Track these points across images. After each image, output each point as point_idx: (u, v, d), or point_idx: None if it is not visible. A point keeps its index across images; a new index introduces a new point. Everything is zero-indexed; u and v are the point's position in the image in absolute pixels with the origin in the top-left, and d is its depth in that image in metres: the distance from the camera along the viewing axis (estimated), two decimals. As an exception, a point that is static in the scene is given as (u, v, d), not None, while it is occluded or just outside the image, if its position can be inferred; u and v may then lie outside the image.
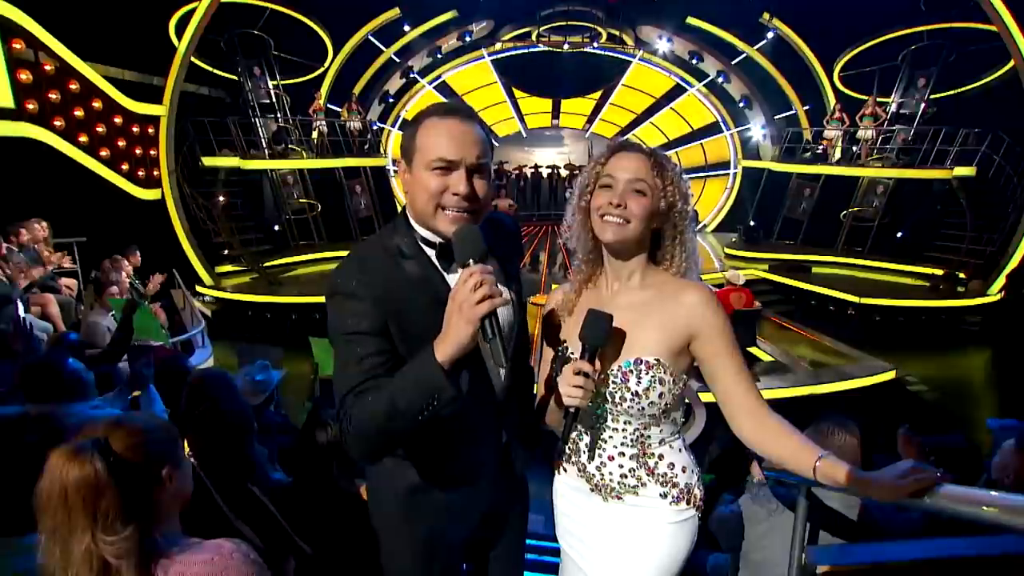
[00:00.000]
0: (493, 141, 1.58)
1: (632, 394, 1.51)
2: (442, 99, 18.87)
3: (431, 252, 1.53)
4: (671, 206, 1.56)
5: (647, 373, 1.50)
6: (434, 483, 1.60)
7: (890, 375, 8.31)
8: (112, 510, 1.17)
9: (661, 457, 1.58)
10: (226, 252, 12.73)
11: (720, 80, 18.12)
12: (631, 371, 1.51)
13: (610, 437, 1.59)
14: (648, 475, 1.57)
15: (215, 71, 14.12)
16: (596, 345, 1.49)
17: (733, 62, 17.56)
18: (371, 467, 1.70)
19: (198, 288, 11.69)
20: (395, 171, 18.69)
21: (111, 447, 1.21)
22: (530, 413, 1.74)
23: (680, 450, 1.61)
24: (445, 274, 1.53)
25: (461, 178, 1.44)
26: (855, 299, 11.23)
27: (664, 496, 1.57)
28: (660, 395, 1.51)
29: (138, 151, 11.34)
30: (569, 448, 1.69)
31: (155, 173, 11.64)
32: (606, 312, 1.50)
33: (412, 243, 1.53)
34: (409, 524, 1.64)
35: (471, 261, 1.34)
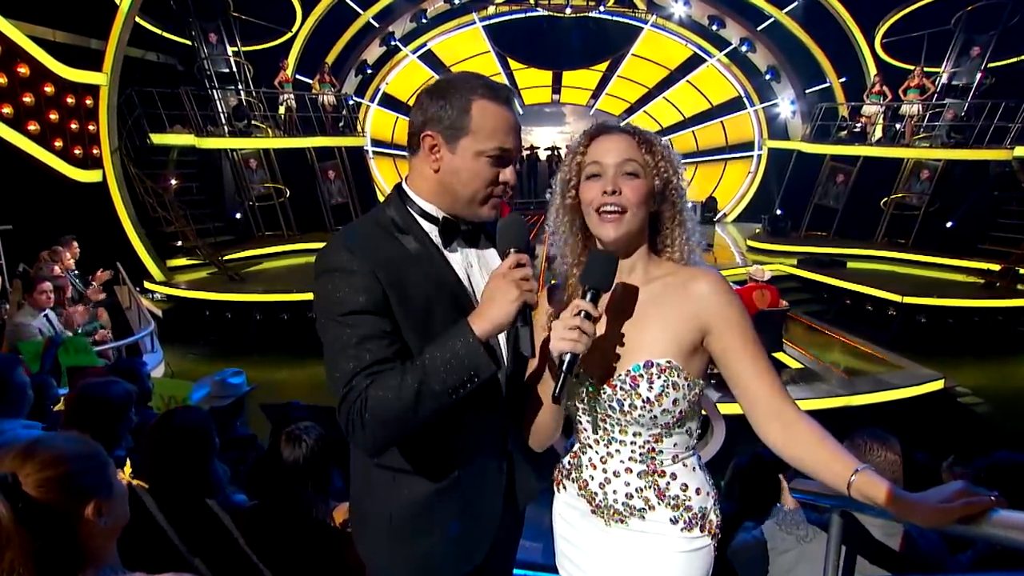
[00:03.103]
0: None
1: (643, 401, 1.50)
2: (428, 71, 18.93)
3: (429, 227, 1.62)
4: (667, 183, 1.58)
5: (659, 377, 1.49)
6: (433, 511, 1.63)
7: (937, 385, 8.34)
8: (20, 563, 1.11)
9: (674, 476, 1.57)
10: (179, 243, 12.68)
11: (744, 49, 18.15)
12: (641, 375, 1.50)
13: (616, 451, 1.59)
14: (658, 497, 1.56)
15: (164, 34, 14.00)
16: (601, 288, 1.48)
17: (759, 28, 17.59)
18: (362, 491, 1.73)
19: (147, 285, 11.64)
20: (373, 153, 18.67)
21: (19, 485, 1.15)
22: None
23: (695, 469, 1.60)
24: (444, 251, 1.62)
25: (511, 170, 1.61)
26: (897, 298, 11.25)
27: (675, 521, 1.55)
28: (674, 401, 1.50)
29: (74, 126, 11.22)
30: (570, 462, 1.70)
31: (95, 151, 11.54)
32: (609, 253, 1.53)
33: (407, 216, 1.62)
34: (404, 558, 1.67)
35: (513, 250, 1.47)
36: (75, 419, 2.60)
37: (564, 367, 1.43)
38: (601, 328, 1.53)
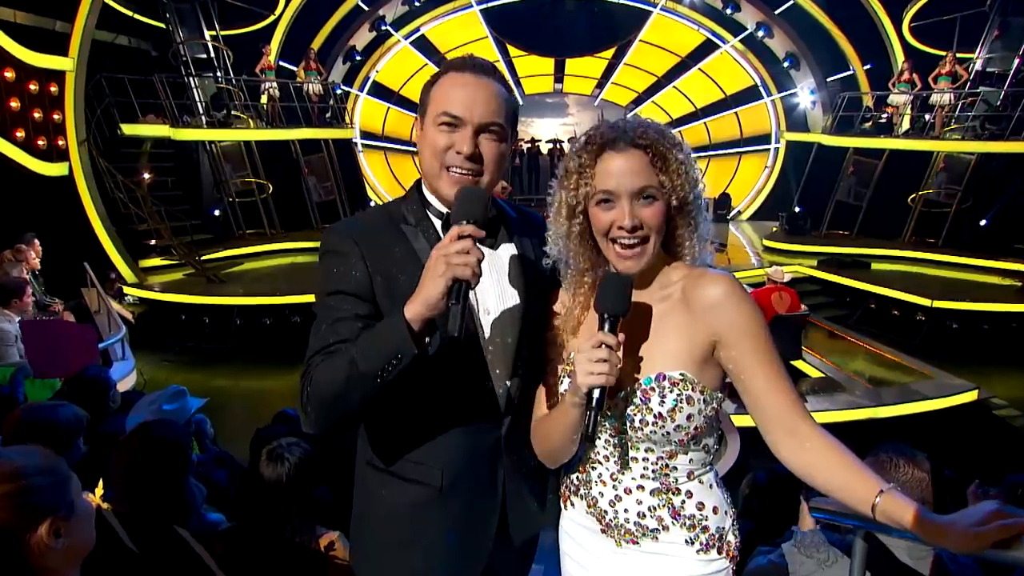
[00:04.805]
0: (518, 99, 1.68)
1: (655, 416, 1.51)
2: (421, 57, 18.92)
3: (439, 223, 1.69)
4: (683, 201, 1.56)
5: (672, 391, 1.50)
6: (421, 519, 1.67)
7: (970, 396, 8.29)
8: None
9: (689, 495, 1.58)
10: (153, 242, 12.68)
11: (760, 34, 18.17)
12: (653, 389, 1.51)
13: (628, 467, 1.60)
14: (672, 517, 1.57)
15: (136, 16, 13.94)
16: (619, 314, 1.47)
17: (776, 12, 17.62)
18: (359, 495, 1.79)
19: (127, 290, 11.61)
20: (362, 146, 18.67)
21: None
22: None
23: (712, 486, 1.62)
24: None
25: (466, 137, 1.60)
26: (926, 302, 11.22)
27: (690, 543, 1.56)
28: (688, 417, 1.50)
29: (37, 115, 11.16)
30: (578, 478, 1.70)
31: (60, 143, 11.50)
32: (624, 275, 1.51)
33: (419, 211, 1.71)
34: (398, 570, 1.72)
35: (465, 222, 1.46)
36: (14, 444, 2.51)
37: (594, 403, 1.44)
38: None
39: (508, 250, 1.73)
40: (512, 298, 1.70)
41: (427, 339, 1.47)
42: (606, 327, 1.46)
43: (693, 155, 1.58)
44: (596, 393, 1.43)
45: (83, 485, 2.14)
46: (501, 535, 1.73)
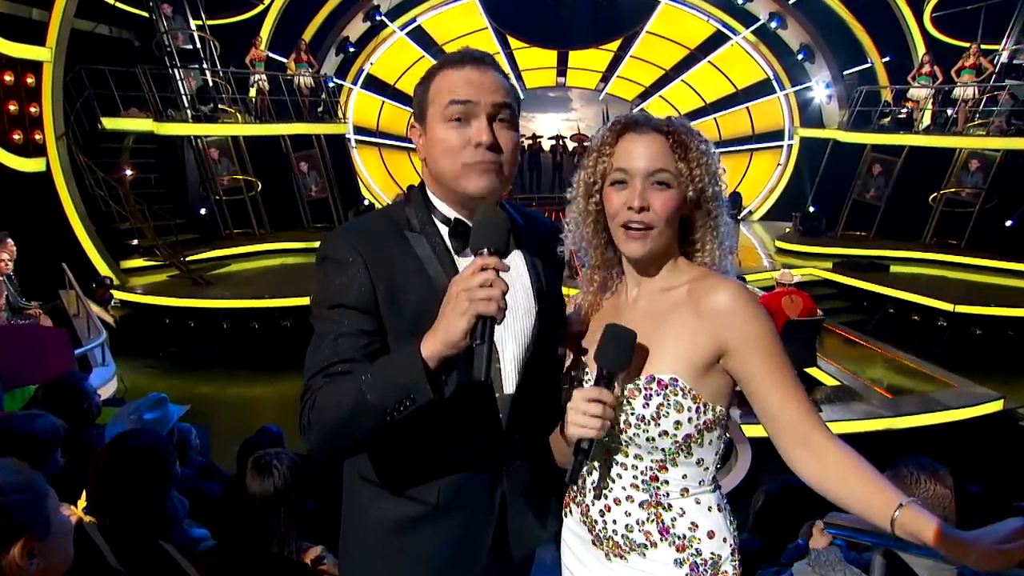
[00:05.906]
0: (519, 91, 1.65)
1: (637, 419, 1.52)
2: (417, 49, 18.93)
3: (444, 229, 1.66)
4: (701, 193, 1.58)
5: (658, 394, 1.51)
6: (411, 535, 1.67)
7: (995, 406, 8.27)
8: None
9: (682, 513, 1.57)
10: (136, 242, 12.69)
11: (773, 25, 18.18)
12: (638, 389, 1.52)
13: (618, 475, 1.61)
14: (660, 534, 1.56)
15: (118, 4, 13.88)
16: (614, 370, 1.50)
17: (790, 1, 17.63)
18: (348, 505, 1.78)
19: (116, 294, 11.59)
20: (355, 141, 18.67)
21: None
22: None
23: (711, 509, 1.60)
24: (456, 256, 1.65)
25: (482, 126, 1.57)
26: (948, 307, 11.24)
27: (679, 564, 1.55)
28: (676, 424, 1.50)
29: (13, 107, 11.20)
30: (575, 486, 1.72)
31: (37, 137, 11.53)
32: (628, 328, 1.51)
33: (425, 216, 1.67)
34: None
35: (486, 251, 1.42)
36: None
37: (580, 453, 1.49)
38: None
39: (517, 258, 1.71)
40: (521, 309, 1.69)
41: (444, 377, 1.44)
42: (603, 382, 1.49)
43: (715, 152, 1.60)
44: (584, 444, 1.48)
45: (62, 499, 2.14)
46: (498, 551, 1.72)
